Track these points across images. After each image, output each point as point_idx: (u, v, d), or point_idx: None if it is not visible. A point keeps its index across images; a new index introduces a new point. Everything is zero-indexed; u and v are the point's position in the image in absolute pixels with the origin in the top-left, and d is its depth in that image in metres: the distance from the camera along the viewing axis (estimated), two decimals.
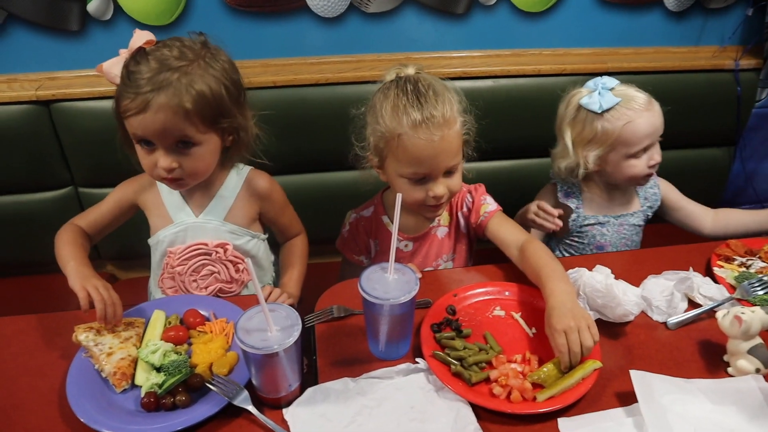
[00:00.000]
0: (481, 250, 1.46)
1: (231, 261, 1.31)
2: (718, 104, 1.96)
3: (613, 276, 1.14)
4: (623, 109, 1.38)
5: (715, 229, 1.55)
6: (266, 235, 1.41)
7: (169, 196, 1.29)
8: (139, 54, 1.10)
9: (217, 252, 1.29)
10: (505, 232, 1.31)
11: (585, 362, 0.98)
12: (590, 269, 1.16)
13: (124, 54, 1.13)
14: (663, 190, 1.59)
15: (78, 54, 1.72)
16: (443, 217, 1.40)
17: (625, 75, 1.82)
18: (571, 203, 1.53)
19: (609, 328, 1.11)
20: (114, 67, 1.12)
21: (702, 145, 2.05)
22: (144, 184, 1.31)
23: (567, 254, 1.58)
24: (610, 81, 1.42)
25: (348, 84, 1.71)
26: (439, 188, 1.22)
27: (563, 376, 0.97)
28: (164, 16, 1.68)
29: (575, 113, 1.44)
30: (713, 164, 2.09)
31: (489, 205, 1.36)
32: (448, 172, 1.23)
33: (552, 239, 1.65)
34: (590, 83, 1.44)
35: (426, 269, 1.37)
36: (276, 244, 1.50)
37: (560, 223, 1.42)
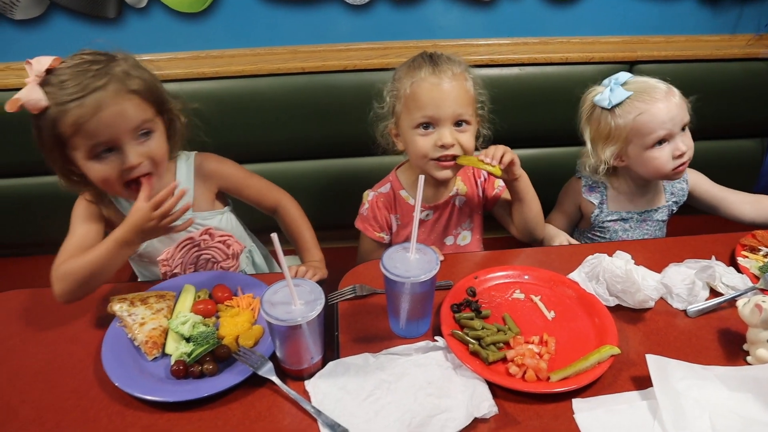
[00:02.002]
0: (501, 238, 1.48)
1: (220, 241, 1.33)
2: (751, 94, 1.93)
3: (633, 262, 1.14)
4: (634, 102, 1.38)
5: (758, 217, 1.50)
6: (230, 206, 1.42)
7: (128, 208, 1.23)
8: (58, 71, 1.07)
9: (204, 240, 1.31)
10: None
11: (602, 347, 0.99)
12: (610, 256, 1.17)
13: (32, 81, 1.07)
14: (692, 181, 1.56)
15: (114, 41, 1.76)
16: (461, 187, 1.44)
17: (655, 64, 1.82)
18: (594, 199, 1.53)
19: (628, 315, 1.11)
20: (32, 92, 1.04)
21: (733, 136, 2.03)
22: (100, 202, 1.25)
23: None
24: (624, 75, 1.42)
25: (375, 71, 1.74)
26: (446, 135, 1.27)
27: (579, 360, 0.98)
28: (197, 4, 1.72)
29: (591, 111, 1.45)
30: (745, 156, 2.06)
31: None
32: (458, 125, 1.28)
33: (575, 231, 1.65)
34: (606, 80, 1.44)
35: (446, 238, 1.40)
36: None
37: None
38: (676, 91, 1.40)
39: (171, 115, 1.21)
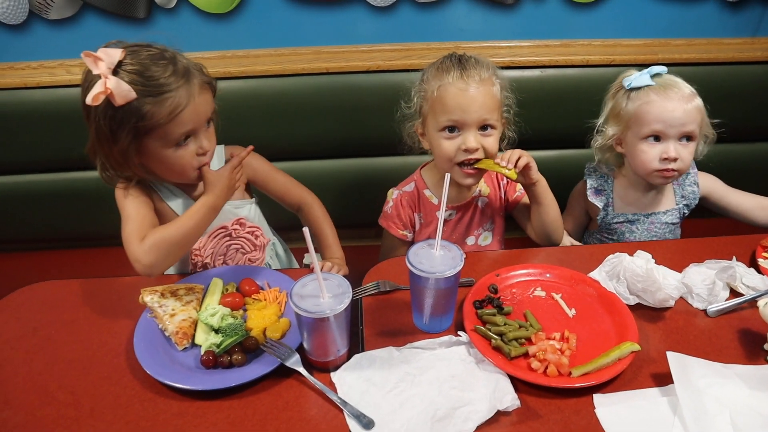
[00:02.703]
0: (523, 239, 1.50)
1: (249, 232, 1.38)
2: None
3: (653, 261, 1.15)
4: (649, 92, 1.40)
5: None
6: (256, 199, 1.46)
7: (175, 199, 1.31)
8: (134, 64, 1.09)
9: (236, 229, 1.35)
10: None
11: (623, 343, 1.00)
12: (631, 255, 1.18)
13: (105, 72, 1.07)
14: (704, 185, 1.55)
15: (146, 38, 1.82)
16: (483, 188, 1.46)
17: (676, 66, 1.80)
18: (599, 201, 1.55)
19: (648, 313, 1.13)
20: (120, 84, 1.07)
21: (754, 139, 2.02)
22: (144, 190, 1.28)
23: None
24: (660, 68, 1.43)
25: (398, 71, 1.77)
26: (471, 140, 1.29)
27: (599, 356, 1.00)
28: (225, 4, 1.76)
29: (617, 89, 1.48)
30: (766, 159, 2.05)
31: None
32: (483, 129, 1.30)
33: (585, 232, 1.67)
34: (645, 69, 1.45)
35: (468, 238, 1.42)
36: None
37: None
38: (697, 100, 1.40)
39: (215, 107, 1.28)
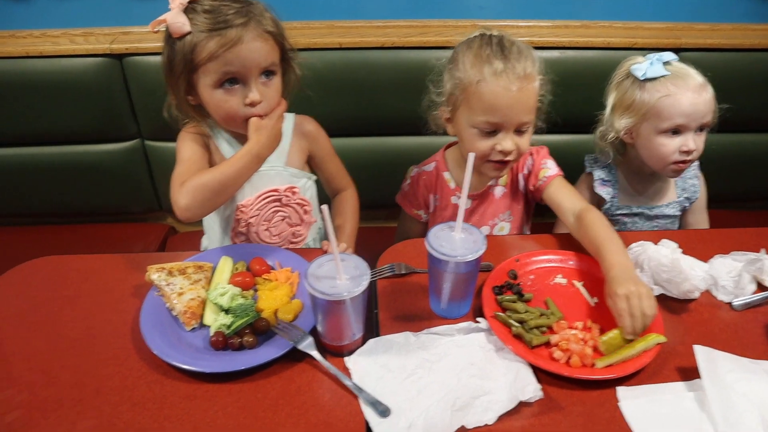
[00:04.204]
0: (543, 223, 1.46)
1: (299, 204, 1.34)
2: None
3: (680, 250, 1.12)
4: (667, 83, 1.35)
5: None
6: (314, 177, 1.43)
7: (228, 148, 1.29)
8: (201, 2, 1.12)
9: (287, 196, 1.32)
10: (563, 197, 1.30)
11: (648, 335, 0.97)
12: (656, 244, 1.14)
13: (176, 7, 1.12)
14: (702, 186, 1.54)
15: (150, 9, 1.74)
16: (502, 177, 1.40)
17: (699, 52, 1.77)
18: (606, 193, 1.51)
19: (672, 305, 1.09)
20: (177, 16, 1.11)
21: None
22: (204, 135, 1.30)
23: None
24: (668, 55, 1.39)
25: (413, 49, 1.71)
26: (508, 142, 1.22)
27: (624, 346, 0.96)
28: None
29: (623, 78, 1.43)
30: None
31: (549, 169, 1.35)
32: (519, 130, 1.23)
33: None
34: (650, 54, 1.40)
35: (482, 227, 1.37)
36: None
37: None
38: (710, 89, 1.36)
39: (288, 66, 1.26)
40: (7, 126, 1.80)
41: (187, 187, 1.12)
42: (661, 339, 0.96)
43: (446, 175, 1.42)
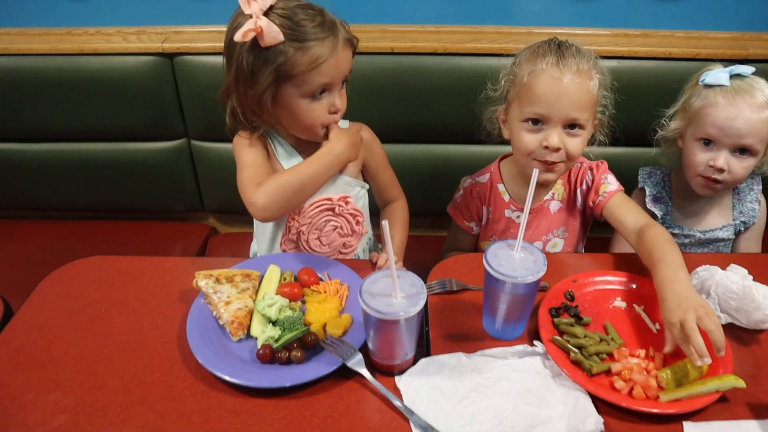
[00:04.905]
0: (597, 238, 1.40)
1: (351, 214, 1.31)
2: None
3: (751, 277, 1.05)
4: (718, 94, 1.29)
5: None
6: (368, 187, 1.40)
7: (285, 155, 1.28)
8: (284, 10, 1.09)
9: (340, 206, 1.29)
10: (624, 213, 1.24)
11: (725, 375, 0.90)
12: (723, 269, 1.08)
13: (257, 14, 1.06)
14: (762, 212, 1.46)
15: (202, 9, 1.76)
16: (558, 191, 1.35)
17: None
18: (659, 210, 1.45)
19: (741, 335, 1.03)
20: (271, 26, 1.06)
21: None
22: (262, 141, 1.27)
23: None
24: (747, 69, 1.32)
25: (466, 55, 1.65)
26: (554, 138, 1.18)
27: (693, 381, 0.90)
28: None
29: (696, 81, 1.38)
30: None
31: (610, 184, 1.29)
32: (570, 128, 1.19)
33: None
34: (733, 66, 1.34)
35: (535, 242, 1.33)
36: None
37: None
38: None
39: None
40: (59, 121, 1.82)
41: (265, 187, 1.12)
42: (740, 383, 0.88)
43: (500, 187, 1.37)
